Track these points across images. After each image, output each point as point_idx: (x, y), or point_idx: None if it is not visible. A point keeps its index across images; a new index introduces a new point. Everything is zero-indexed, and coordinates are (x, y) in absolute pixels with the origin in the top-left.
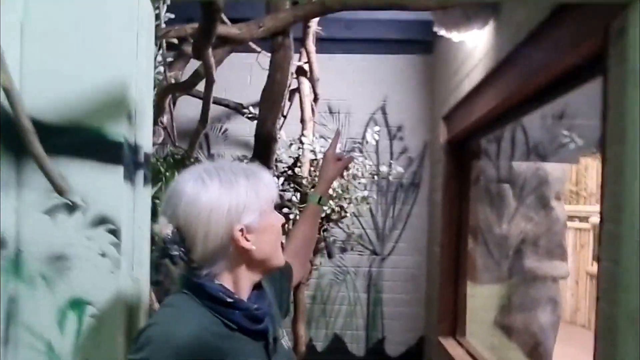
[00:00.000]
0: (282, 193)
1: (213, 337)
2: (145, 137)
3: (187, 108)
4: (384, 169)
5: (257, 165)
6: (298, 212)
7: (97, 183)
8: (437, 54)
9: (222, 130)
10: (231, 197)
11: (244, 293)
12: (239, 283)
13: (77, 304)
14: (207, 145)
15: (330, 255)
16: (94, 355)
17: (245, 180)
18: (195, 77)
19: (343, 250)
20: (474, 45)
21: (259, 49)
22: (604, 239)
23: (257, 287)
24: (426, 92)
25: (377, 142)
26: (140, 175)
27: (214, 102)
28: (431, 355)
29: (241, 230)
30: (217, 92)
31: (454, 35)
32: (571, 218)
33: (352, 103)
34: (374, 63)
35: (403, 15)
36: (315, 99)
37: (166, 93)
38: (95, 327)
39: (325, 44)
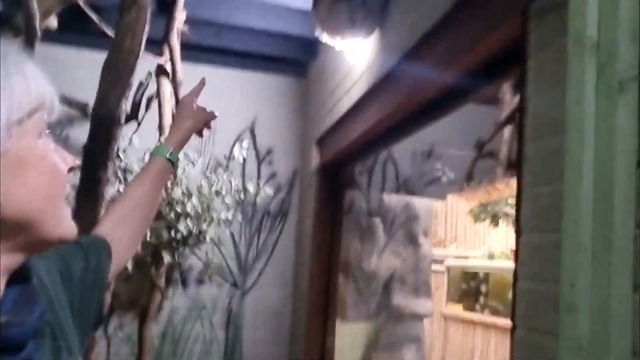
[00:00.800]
0: None
1: None
2: None
3: None
4: (250, 187)
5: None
6: (149, 233)
7: None
8: (312, 75)
9: (63, 136)
10: None
11: None
12: None
13: None
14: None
15: (184, 284)
16: None
17: None
18: (10, 30)
19: (199, 281)
20: (355, 60)
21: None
22: (523, 255)
23: (22, 279)
24: (299, 115)
25: (244, 161)
26: None
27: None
28: None
29: None
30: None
31: (337, 42)
32: None
33: (218, 120)
34: (244, 79)
35: (280, 26)
36: (177, 105)
37: None
38: None
39: (191, 52)
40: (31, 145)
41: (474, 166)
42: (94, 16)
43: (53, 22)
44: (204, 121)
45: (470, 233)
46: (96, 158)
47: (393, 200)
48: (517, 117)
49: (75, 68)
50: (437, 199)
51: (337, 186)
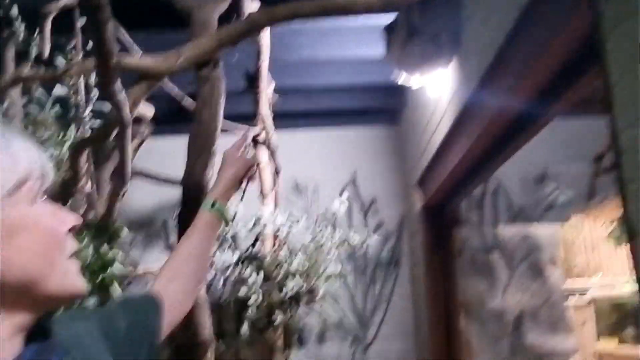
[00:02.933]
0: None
1: None
2: None
3: (142, 193)
4: (355, 237)
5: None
6: (260, 295)
7: None
8: (405, 119)
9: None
10: None
11: (13, 346)
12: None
13: None
14: (165, 233)
15: (301, 342)
16: None
17: None
18: (110, 124)
19: (320, 339)
20: (438, 94)
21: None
22: None
23: (41, 337)
24: (397, 161)
25: (349, 214)
26: None
27: (168, 181)
28: None
29: None
30: (175, 173)
31: (416, 80)
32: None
33: (320, 179)
34: (339, 136)
35: (365, 79)
36: (277, 171)
37: (79, 151)
38: None
39: (285, 120)
40: (23, 213)
41: (596, 181)
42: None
43: (148, 111)
44: (245, 168)
45: (614, 258)
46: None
47: (510, 232)
48: (605, 108)
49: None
50: (558, 222)
51: (444, 226)
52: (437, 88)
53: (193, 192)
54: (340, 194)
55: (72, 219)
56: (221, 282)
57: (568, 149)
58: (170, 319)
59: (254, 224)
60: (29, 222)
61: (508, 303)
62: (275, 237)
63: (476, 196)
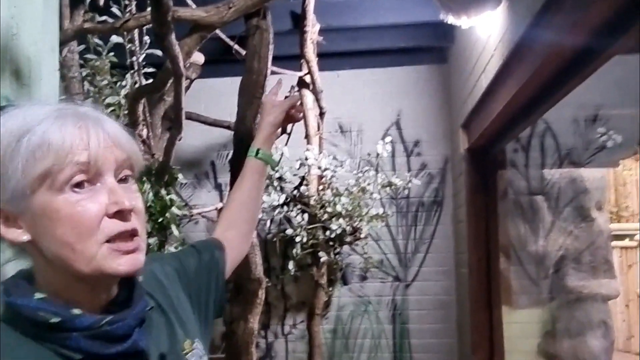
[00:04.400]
0: (289, 215)
1: None
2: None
3: (190, 134)
4: (396, 181)
5: (63, 113)
6: (305, 235)
7: None
8: (452, 58)
9: (229, 157)
10: None
11: (94, 301)
12: (75, 291)
13: None
14: (213, 174)
15: (345, 282)
16: None
17: (15, 138)
18: (165, 74)
19: (363, 278)
20: (487, 35)
21: (283, 70)
22: None
23: (127, 283)
24: (443, 101)
25: (392, 155)
26: None
27: (216, 125)
28: None
29: None
30: (222, 115)
31: (464, 21)
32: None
33: (364, 120)
34: (384, 76)
35: (411, 17)
36: (321, 114)
37: (136, 99)
38: None
39: (330, 60)
40: (45, 202)
41: None
42: (234, 45)
43: (199, 58)
44: (283, 114)
45: None
46: (239, 171)
47: (556, 175)
48: None
49: (230, 96)
50: (607, 166)
51: (488, 169)
52: (487, 27)
53: (244, 140)
54: (384, 136)
55: (124, 202)
56: (268, 222)
57: (620, 91)
58: (231, 261)
59: (299, 167)
60: (52, 210)
61: (550, 246)
62: (320, 179)
63: (523, 138)
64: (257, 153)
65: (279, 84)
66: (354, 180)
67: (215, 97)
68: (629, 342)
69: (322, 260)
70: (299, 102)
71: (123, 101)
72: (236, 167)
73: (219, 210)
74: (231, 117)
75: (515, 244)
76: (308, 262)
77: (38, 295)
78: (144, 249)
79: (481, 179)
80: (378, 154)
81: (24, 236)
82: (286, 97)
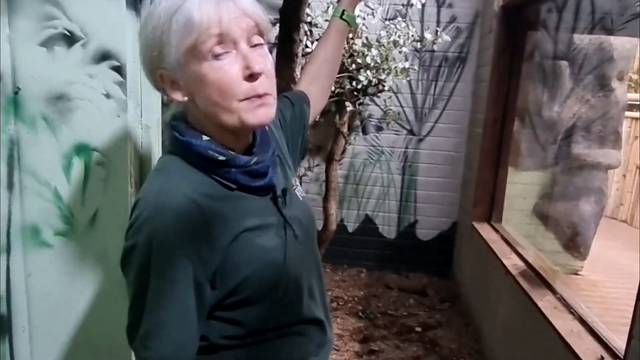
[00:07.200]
0: None
1: (210, 200)
2: None
3: None
4: (428, 36)
5: None
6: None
7: (96, 11)
8: None
9: None
10: (146, 35)
11: (237, 145)
12: (225, 137)
13: (83, 150)
14: None
15: (365, 132)
16: (103, 205)
17: (167, 17)
18: None
19: (379, 128)
20: None
21: None
22: None
23: (261, 131)
24: None
25: (423, 6)
26: (146, 5)
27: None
28: (463, 241)
29: (161, 76)
30: None
31: None
32: (629, 107)
33: None
34: None
35: None
36: None
37: None
38: (103, 176)
39: None
40: (192, 69)
41: None
42: None
43: None
44: None
45: None
46: (290, 21)
47: (585, 40)
48: None
49: None
50: (638, 37)
51: (520, 29)
52: None
53: (291, 24)
54: None
55: (258, 67)
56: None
57: None
58: (312, 113)
59: (327, 9)
60: (199, 75)
61: (565, 113)
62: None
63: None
64: (342, 14)
65: None
66: (384, 32)
67: None
68: (617, 209)
69: (348, 109)
70: None
71: None
72: (283, 48)
73: (302, 67)
74: None
75: (530, 108)
76: (332, 110)
77: (205, 138)
78: (274, 104)
79: (510, 39)
80: (412, 4)
81: (184, 97)
82: None
